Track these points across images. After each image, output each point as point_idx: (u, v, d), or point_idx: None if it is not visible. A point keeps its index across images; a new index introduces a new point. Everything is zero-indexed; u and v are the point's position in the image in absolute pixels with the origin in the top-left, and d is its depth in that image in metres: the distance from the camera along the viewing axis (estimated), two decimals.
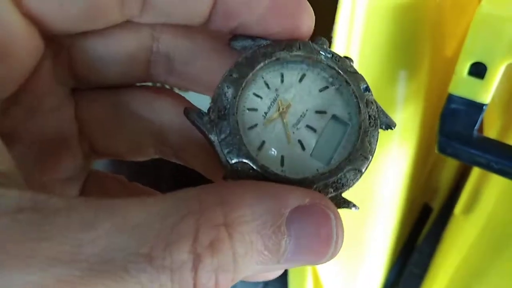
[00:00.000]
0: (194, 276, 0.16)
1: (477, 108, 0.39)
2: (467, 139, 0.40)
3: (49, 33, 0.21)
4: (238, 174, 0.20)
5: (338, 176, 0.21)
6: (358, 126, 0.22)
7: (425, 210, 0.69)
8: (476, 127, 0.39)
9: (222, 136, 0.20)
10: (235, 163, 0.20)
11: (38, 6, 0.19)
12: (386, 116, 0.23)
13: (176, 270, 0.16)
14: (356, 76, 0.22)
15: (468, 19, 0.38)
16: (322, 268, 0.61)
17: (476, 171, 0.51)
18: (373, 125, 0.22)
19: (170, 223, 0.16)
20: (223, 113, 0.21)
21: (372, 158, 0.21)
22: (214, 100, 0.21)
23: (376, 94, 0.48)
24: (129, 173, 0.29)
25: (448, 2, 0.50)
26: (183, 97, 0.26)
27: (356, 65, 0.47)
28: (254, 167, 0.20)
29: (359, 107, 0.22)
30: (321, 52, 0.22)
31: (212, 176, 0.26)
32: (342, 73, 0.22)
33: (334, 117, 0.22)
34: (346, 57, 0.23)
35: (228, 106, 0.21)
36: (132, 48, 0.24)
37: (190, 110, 0.21)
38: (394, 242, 0.66)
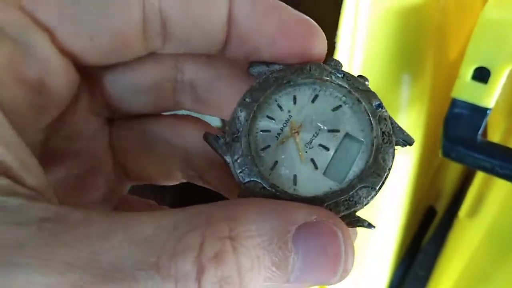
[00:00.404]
0: (198, 286, 0.16)
1: (481, 112, 0.39)
2: (471, 144, 0.40)
3: (82, 66, 0.23)
4: (251, 193, 0.21)
5: (350, 194, 0.21)
6: (371, 144, 0.22)
7: (430, 213, 0.69)
8: (480, 131, 0.39)
9: (235, 157, 0.22)
10: (247, 182, 0.21)
11: (72, 41, 0.21)
12: (403, 132, 0.23)
13: (180, 279, 0.16)
14: (368, 93, 0.23)
15: (472, 22, 0.38)
16: None
17: (480, 174, 0.51)
18: (387, 142, 0.22)
19: (178, 235, 0.17)
20: (236, 135, 0.22)
21: (387, 175, 0.21)
22: (229, 124, 0.22)
23: (381, 97, 0.48)
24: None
25: (452, 4, 0.50)
26: (206, 123, 0.28)
27: (360, 69, 0.47)
28: (265, 186, 0.21)
29: (371, 124, 0.22)
30: (332, 72, 0.23)
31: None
32: (353, 91, 0.23)
33: (348, 135, 0.22)
34: (360, 76, 0.23)
35: (241, 128, 0.22)
36: (158, 79, 0.26)
37: (208, 135, 0.22)
38: (398, 244, 0.66)
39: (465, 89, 0.39)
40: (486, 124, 0.40)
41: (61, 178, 0.24)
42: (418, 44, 0.45)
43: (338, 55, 0.43)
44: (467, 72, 0.38)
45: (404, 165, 0.54)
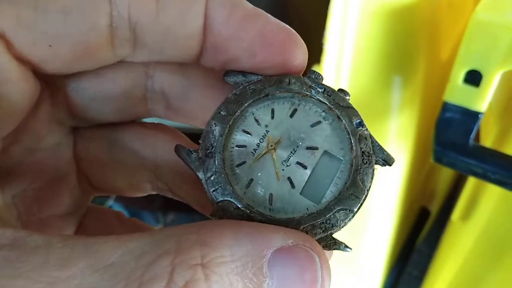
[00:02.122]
0: None
1: (473, 116, 0.38)
2: (463, 149, 0.38)
3: (43, 75, 0.21)
4: (224, 213, 0.20)
5: (327, 216, 0.20)
6: (350, 164, 0.21)
7: (423, 214, 0.68)
8: (472, 136, 0.38)
9: (209, 174, 0.21)
10: (221, 201, 0.20)
11: (29, 49, 0.20)
12: (383, 151, 0.22)
13: None
14: (348, 110, 0.22)
15: (464, 21, 0.37)
16: None
17: (473, 178, 0.50)
18: (366, 162, 0.21)
19: (145, 262, 0.16)
20: (210, 151, 0.21)
21: (365, 196, 0.21)
22: (202, 138, 0.21)
23: (371, 100, 0.47)
24: None
25: (444, 4, 0.48)
26: (178, 133, 0.26)
27: (349, 72, 0.46)
28: (239, 206, 0.20)
29: (351, 143, 0.21)
30: (312, 86, 0.22)
31: (207, 213, 0.26)
32: (333, 107, 0.22)
33: (326, 153, 0.21)
34: (341, 90, 0.22)
35: (215, 144, 0.21)
36: (126, 86, 0.24)
37: (180, 148, 0.21)
38: (392, 245, 0.65)
39: (457, 93, 0.38)
40: (478, 129, 0.39)
41: (21, 192, 0.23)
42: (409, 45, 0.44)
43: (325, 57, 0.42)
44: (459, 75, 0.37)
45: (397, 167, 0.53)
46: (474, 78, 0.36)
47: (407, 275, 0.72)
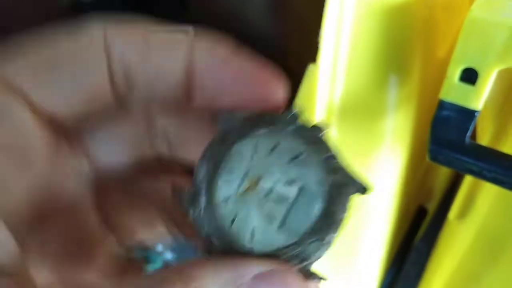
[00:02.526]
0: None
1: (469, 114, 0.37)
2: (459, 147, 0.38)
3: (59, 127, 0.23)
4: (210, 248, 0.23)
5: (303, 248, 0.22)
6: (324, 196, 0.23)
7: (421, 213, 0.68)
8: (468, 134, 0.38)
9: (196, 211, 0.23)
10: (206, 237, 0.23)
11: (46, 104, 0.22)
12: (356, 181, 0.24)
13: None
14: (323, 145, 0.24)
15: (461, 19, 0.37)
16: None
17: (469, 177, 0.50)
18: (341, 193, 0.23)
19: None
20: (198, 189, 0.23)
21: (339, 228, 0.23)
22: (193, 177, 0.23)
23: (367, 99, 0.47)
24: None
25: (440, 2, 0.48)
26: (179, 171, 0.29)
27: (344, 71, 0.46)
28: (224, 242, 0.23)
29: (325, 176, 0.23)
30: (290, 122, 0.24)
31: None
32: (309, 143, 0.24)
33: (304, 187, 0.23)
34: (317, 125, 0.24)
35: (203, 182, 0.23)
36: (133, 131, 0.27)
37: (174, 187, 0.23)
38: (389, 244, 0.65)
39: (453, 91, 0.38)
40: (475, 127, 0.39)
41: (46, 243, 0.24)
42: (406, 43, 0.44)
43: (321, 56, 0.42)
44: (455, 73, 0.37)
45: (393, 166, 0.53)
46: (470, 76, 0.36)
47: (405, 273, 0.72)
